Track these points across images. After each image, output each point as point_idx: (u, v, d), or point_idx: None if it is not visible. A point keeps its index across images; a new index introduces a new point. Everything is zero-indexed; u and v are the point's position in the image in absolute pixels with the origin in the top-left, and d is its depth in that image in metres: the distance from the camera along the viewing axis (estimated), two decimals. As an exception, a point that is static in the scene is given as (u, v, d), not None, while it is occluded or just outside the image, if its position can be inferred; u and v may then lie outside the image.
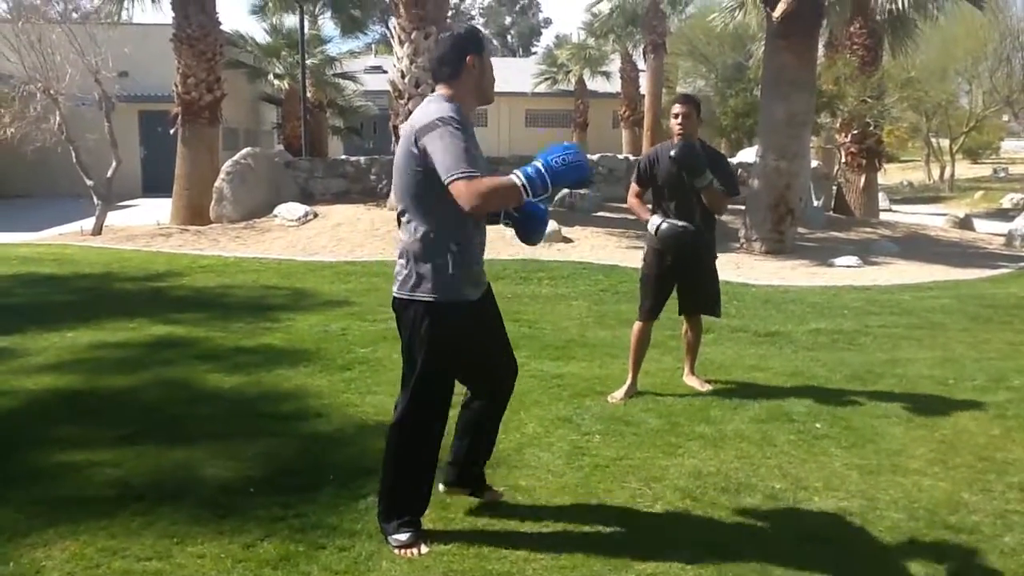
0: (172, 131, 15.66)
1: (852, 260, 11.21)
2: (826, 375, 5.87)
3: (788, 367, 6.08)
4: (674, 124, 5.11)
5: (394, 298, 3.45)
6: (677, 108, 5.13)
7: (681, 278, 5.34)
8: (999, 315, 8.02)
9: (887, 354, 6.50)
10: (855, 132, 15.98)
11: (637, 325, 5.41)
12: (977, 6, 15.58)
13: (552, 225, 12.58)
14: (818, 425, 4.83)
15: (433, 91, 3.35)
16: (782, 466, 4.25)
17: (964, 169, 37.81)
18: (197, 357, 6.13)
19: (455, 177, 3.02)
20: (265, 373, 5.72)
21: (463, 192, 3.01)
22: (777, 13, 11.74)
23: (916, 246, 13.50)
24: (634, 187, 5.42)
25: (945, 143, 33.65)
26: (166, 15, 16.30)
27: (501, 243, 12.14)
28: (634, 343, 5.38)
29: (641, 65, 31.16)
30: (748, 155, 18.84)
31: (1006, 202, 25.95)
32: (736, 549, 3.37)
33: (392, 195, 3.86)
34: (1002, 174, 36.28)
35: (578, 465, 4.19)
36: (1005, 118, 37.10)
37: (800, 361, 6.29)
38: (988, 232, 16.77)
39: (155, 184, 21.62)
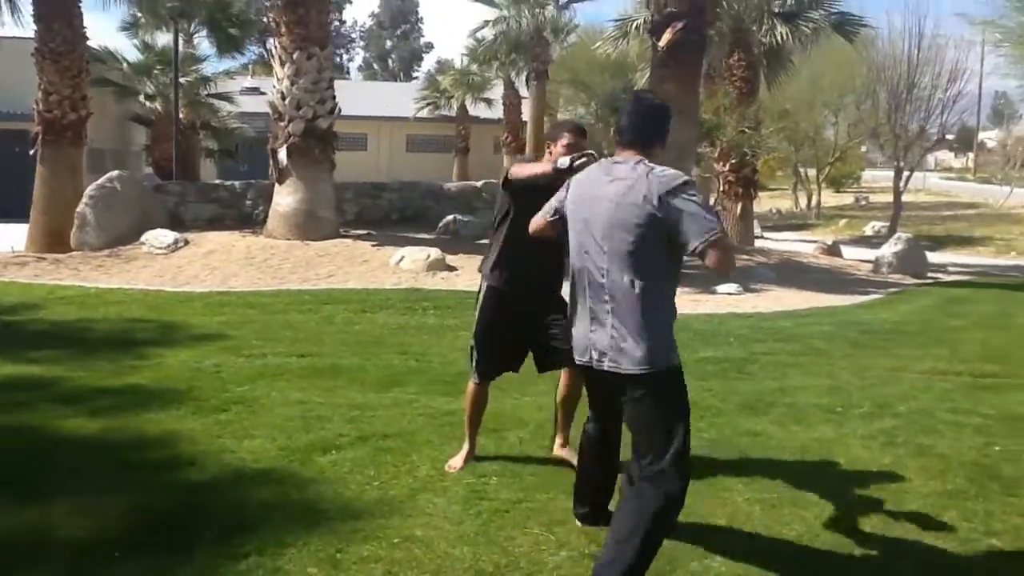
0: (32, 151, 14.71)
1: (733, 287, 11.40)
2: (719, 405, 5.83)
3: (682, 398, 6.01)
4: (560, 152, 4.70)
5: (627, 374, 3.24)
6: (567, 138, 4.35)
7: (530, 326, 4.43)
8: (875, 340, 8.24)
9: (776, 382, 6.54)
10: (733, 161, 16.43)
11: (471, 386, 4.56)
12: (848, 39, 16.31)
13: (436, 253, 12.37)
14: (715, 457, 4.75)
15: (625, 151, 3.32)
16: (686, 503, 4.12)
17: (828, 197, 39.58)
18: (54, 400, 5.59)
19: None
20: (132, 417, 5.26)
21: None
22: (663, 43, 11.92)
23: (791, 273, 13.90)
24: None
25: (811, 172, 35.17)
26: (26, 28, 15.38)
27: (383, 272, 11.90)
28: (469, 405, 4.58)
29: (524, 92, 31.45)
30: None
31: (868, 230, 27.22)
32: (647, 598, 3.21)
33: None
34: (863, 202, 38.21)
35: (476, 511, 3.96)
36: (864, 148, 39.10)
37: (693, 391, 6.14)
38: (855, 259, 17.47)
39: (8, 208, 20.25)
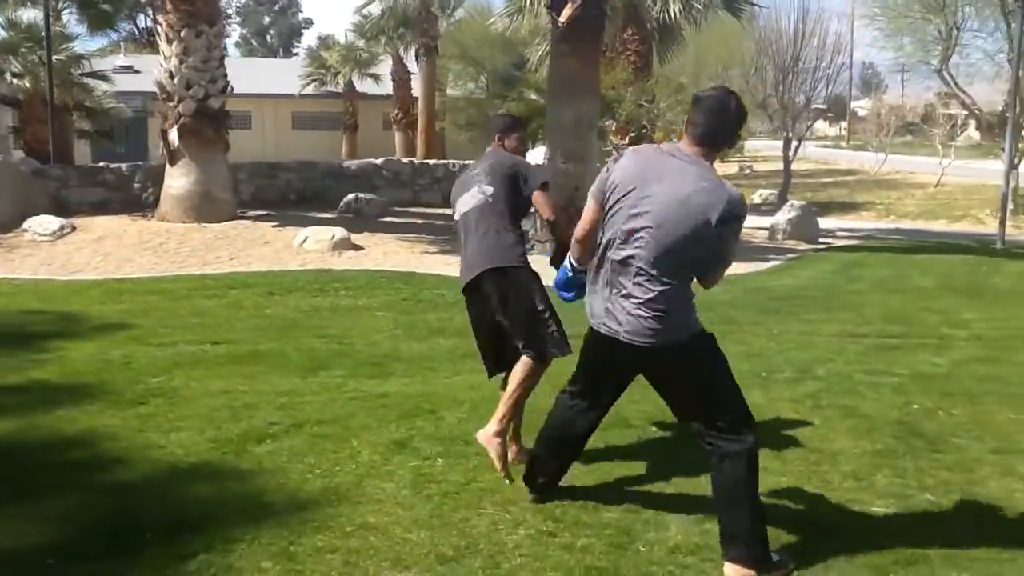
0: None
1: (640, 257, 11.53)
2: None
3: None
4: (515, 150, 4.52)
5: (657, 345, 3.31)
6: (524, 132, 4.64)
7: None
8: (784, 306, 8.49)
9: (698, 351, 6.64)
10: (632, 135, 16.65)
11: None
12: (735, 16, 16.68)
13: (340, 232, 12.11)
14: (654, 428, 4.80)
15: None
16: (633, 476, 4.15)
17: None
18: (-48, 401, 5.22)
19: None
20: (42, 415, 4.95)
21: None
22: (563, 18, 11.90)
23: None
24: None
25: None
26: None
27: (287, 253, 11.58)
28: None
29: (413, 68, 31.02)
30: (532, 158, 19.18)
31: (756, 197, 27.98)
32: (613, 572, 3.21)
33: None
34: (748, 171, 39.33)
35: (427, 494, 3.88)
36: (745, 119, 40.03)
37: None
38: (750, 226, 17.94)
39: None
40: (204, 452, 4.36)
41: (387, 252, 11.95)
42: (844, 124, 66.34)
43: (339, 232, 12.12)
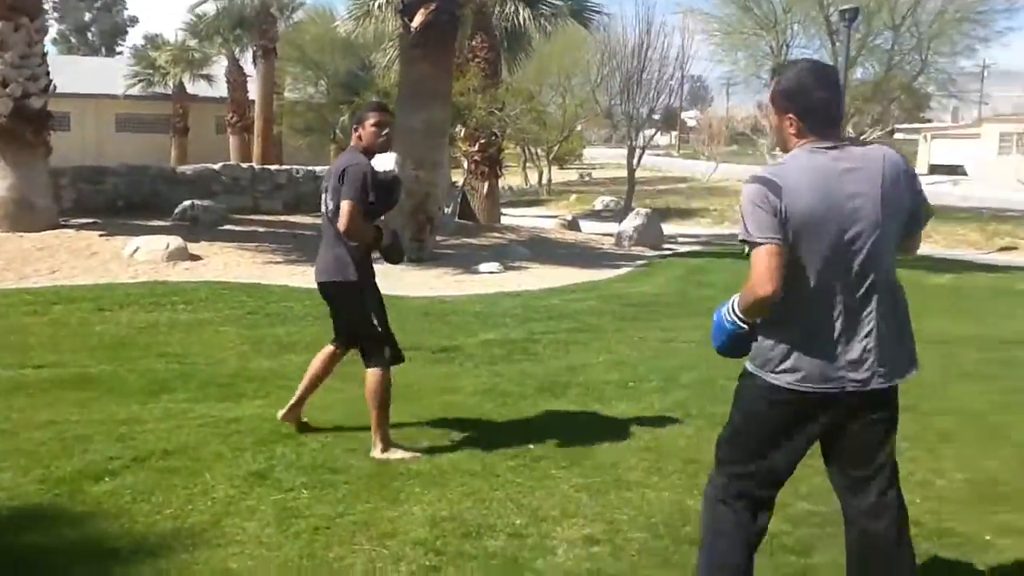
0: None
1: (494, 266, 11.43)
2: (517, 390, 5.72)
3: (477, 385, 5.86)
4: (373, 134, 4.33)
5: None
6: (374, 117, 4.32)
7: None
8: (641, 313, 8.54)
9: (562, 361, 6.55)
10: (482, 142, 16.54)
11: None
12: (584, 25, 16.87)
13: (176, 242, 11.38)
14: (531, 446, 4.62)
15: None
16: (513, 497, 3.95)
17: (555, 174, 41.32)
18: None
19: None
20: None
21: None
22: (415, 23, 11.65)
23: (543, 249, 14.21)
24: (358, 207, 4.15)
25: (535, 150, 36.43)
26: None
27: (116, 265, 10.76)
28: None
29: (250, 70, 29.91)
30: (378, 163, 18.73)
31: (598, 204, 28.68)
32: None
33: None
34: (587, 178, 40.34)
35: (294, 531, 3.54)
36: (579, 127, 41.21)
37: (486, 377, 6.09)
38: (594, 233, 18.23)
39: None
40: (31, 495, 3.84)
41: (228, 263, 11.31)
42: (675, 134, 69.21)
43: (174, 241, 11.38)
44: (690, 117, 68.64)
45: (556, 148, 34.14)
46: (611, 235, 16.24)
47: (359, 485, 4.04)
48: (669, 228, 20.21)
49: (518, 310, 8.55)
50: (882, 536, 2.70)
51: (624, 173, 37.77)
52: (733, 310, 2.72)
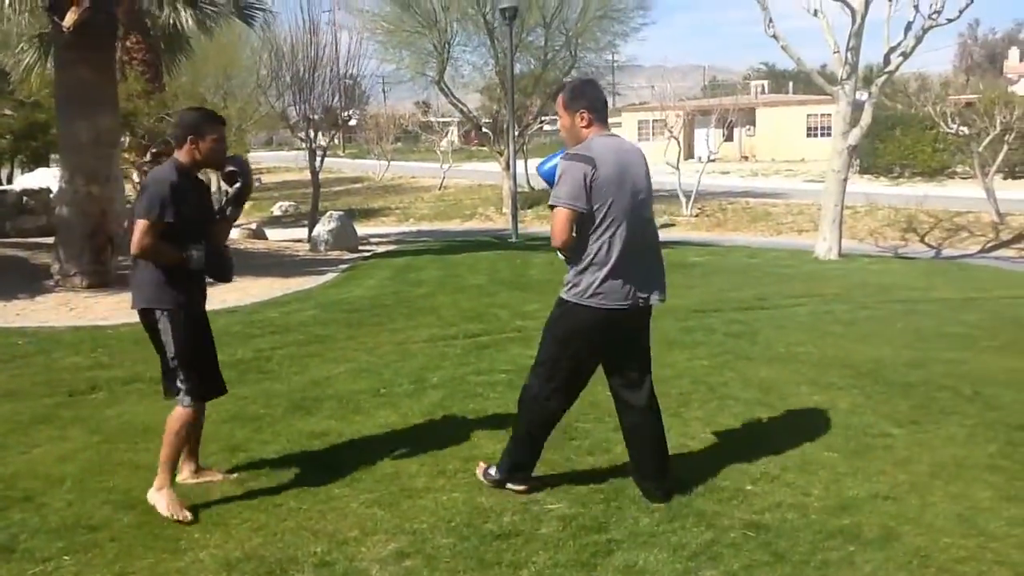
0: None
1: (192, 283, 10.72)
2: (267, 412, 5.43)
3: (221, 411, 5.43)
4: (217, 151, 3.92)
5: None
6: (222, 131, 3.94)
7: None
8: (365, 318, 8.44)
9: (304, 376, 6.31)
10: (154, 151, 15.33)
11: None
12: (248, 24, 16.21)
13: None
14: (302, 469, 4.42)
15: None
16: (305, 525, 3.77)
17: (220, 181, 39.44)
18: None
19: None
20: None
21: None
22: (67, 23, 10.52)
23: (239, 260, 13.40)
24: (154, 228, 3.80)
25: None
26: None
27: None
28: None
29: None
30: (39, 179, 16.81)
31: (277, 210, 27.85)
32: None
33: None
34: (257, 183, 38.95)
35: (72, 606, 3.12)
36: (244, 130, 39.69)
37: (229, 403, 5.66)
38: (285, 239, 17.73)
39: None
40: None
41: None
42: (335, 133, 68.95)
43: None
44: (349, 116, 68.73)
45: (222, 154, 32.51)
46: (302, 240, 15.90)
47: (129, 539, 3.64)
48: (358, 229, 20.19)
49: (236, 327, 8.09)
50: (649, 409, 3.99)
51: (294, 176, 37.02)
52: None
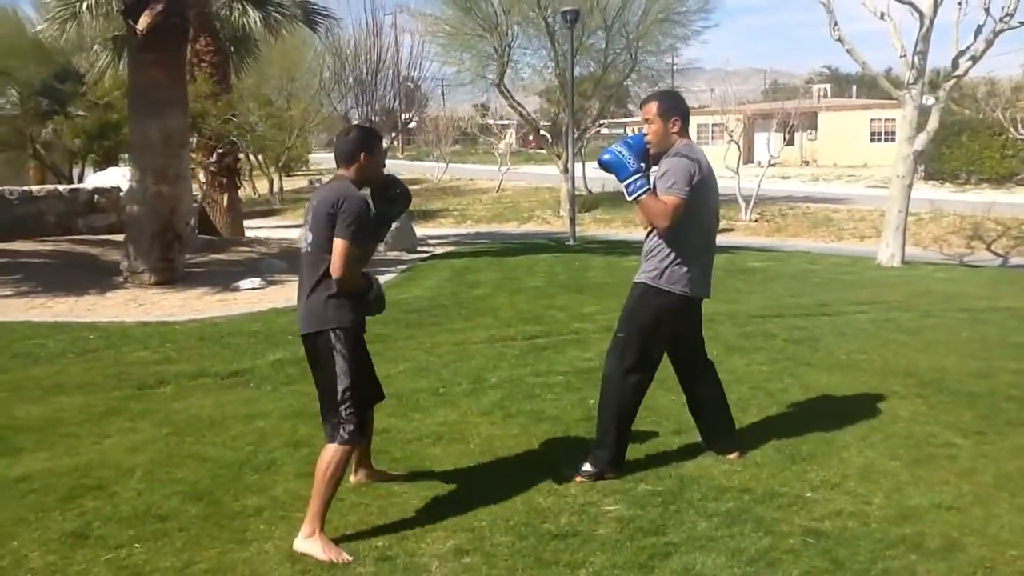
0: None
1: (255, 281, 10.98)
2: (327, 408, 5.52)
3: (284, 408, 5.62)
4: (379, 162, 3.92)
5: None
6: (383, 147, 4.03)
7: None
8: (424, 319, 8.54)
9: (363, 373, 6.40)
10: (220, 151, 15.71)
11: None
12: (313, 29, 16.50)
13: None
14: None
15: None
16: (366, 520, 3.84)
17: (283, 182, 40.21)
18: None
19: None
20: None
21: None
22: (141, 26, 10.84)
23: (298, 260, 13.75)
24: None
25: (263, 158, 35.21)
26: None
27: None
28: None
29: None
30: (109, 178, 17.30)
31: (334, 210, 28.17)
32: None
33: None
34: (317, 184, 39.52)
35: (138, 590, 3.23)
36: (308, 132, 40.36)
37: (291, 399, 5.86)
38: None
39: None
40: None
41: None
42: (395, 135, 69.66)
43: None
44: (409, 118, 69.38)
45: (284, 155, 33.21)
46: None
47: (197, 530, 3.75)
48: (417, 231, 20.39)
49: (296, 326, 8.22)
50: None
51: (355, 176, 37.42)
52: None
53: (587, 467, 4.21)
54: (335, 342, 3.73)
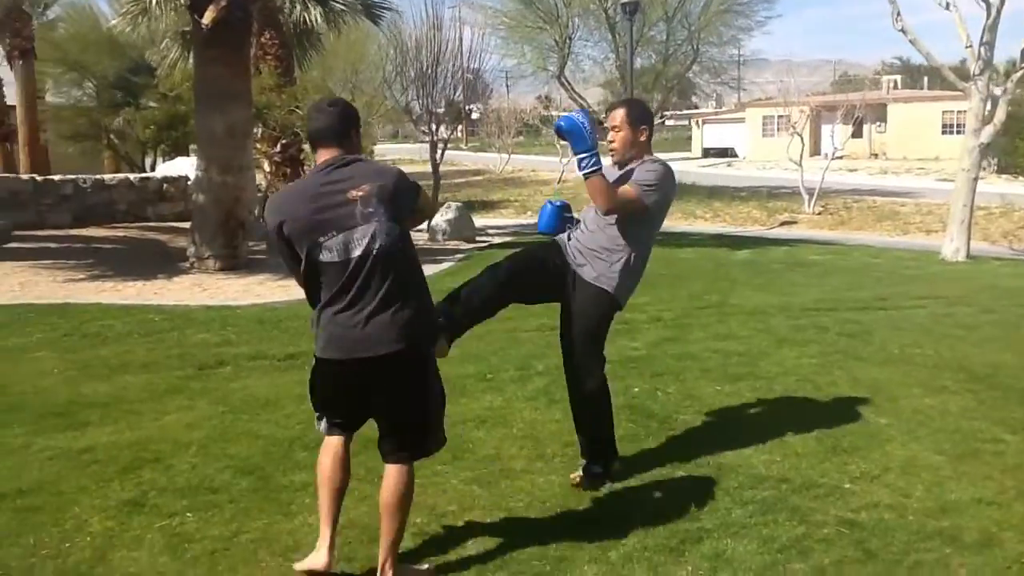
0: None
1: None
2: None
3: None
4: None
5: None
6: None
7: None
8: (476, 306, 8.64)
9: (414, 359, 6.54)
10: (284, 142, 16.06)
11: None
12: (374, 22, 16.74)
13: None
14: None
15: None
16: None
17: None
18: None
19: None
20: None
21: None
22: (206, 21, 11.13)
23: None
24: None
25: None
26: None
27: None
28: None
29: (4, 73, 27.41)
30: (178, 168, 17.82)
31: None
32: None
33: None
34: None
35: (191, 556, 3.41)
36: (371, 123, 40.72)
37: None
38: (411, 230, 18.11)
39: None
40: None
41: (24, 283, 10.41)
42: (459, 127, 69.98)
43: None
44: (471, 108, 69.68)
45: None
46: (421, 230, 16.25)
47: (246, 502, 3.92)
48: (476, 220, 20.53)
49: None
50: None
51: (417, 168, 37.86)
52: None
53: (596, 469, 4.14)
54: (429, 355, 3.26)
